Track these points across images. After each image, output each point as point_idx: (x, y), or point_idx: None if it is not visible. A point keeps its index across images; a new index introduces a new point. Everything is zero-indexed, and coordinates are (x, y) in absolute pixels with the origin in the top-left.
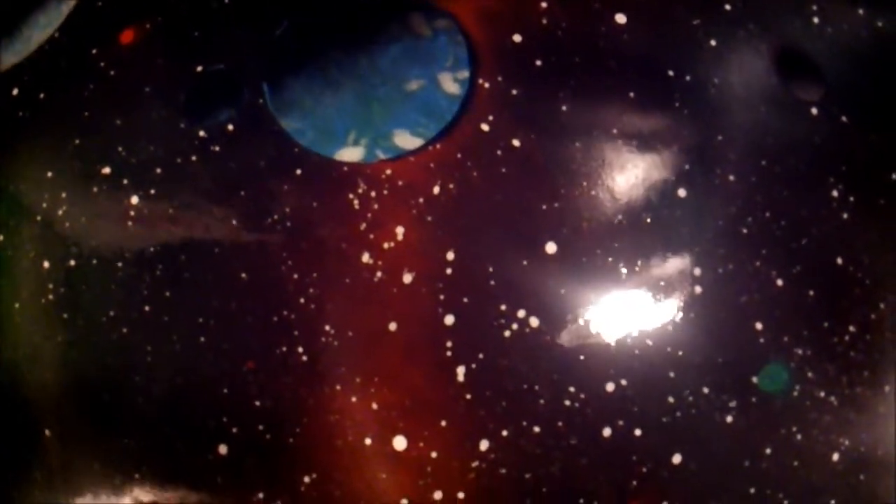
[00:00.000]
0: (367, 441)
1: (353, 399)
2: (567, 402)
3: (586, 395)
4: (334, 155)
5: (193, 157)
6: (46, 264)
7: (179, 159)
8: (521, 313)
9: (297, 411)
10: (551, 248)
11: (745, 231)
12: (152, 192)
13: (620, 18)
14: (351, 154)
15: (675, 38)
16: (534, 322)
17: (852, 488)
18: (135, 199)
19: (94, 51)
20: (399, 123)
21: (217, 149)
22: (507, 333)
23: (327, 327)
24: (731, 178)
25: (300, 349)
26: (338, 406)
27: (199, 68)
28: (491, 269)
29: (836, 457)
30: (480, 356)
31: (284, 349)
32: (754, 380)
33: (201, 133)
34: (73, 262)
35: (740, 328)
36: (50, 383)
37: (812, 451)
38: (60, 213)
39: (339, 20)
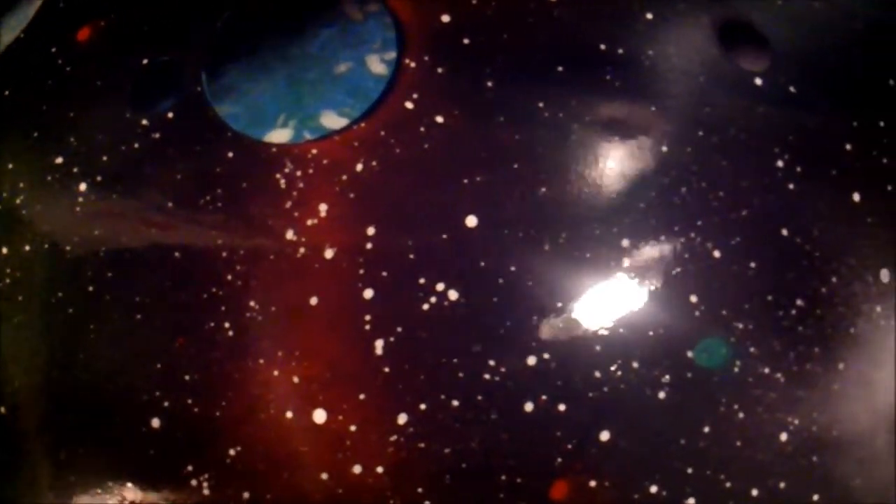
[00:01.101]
0: (289, 414)
1: (276, 373)
2: (486, 376)
3: (506, 368)
4: (264, 137)
5: (136, 145)
6: (5, 250)
7: (124, 147)
8: (440, 286)
9: (223, 385)
10: (472, 221)
11: (678, 202)
12: (98, 179)
13: None
14: (280, 136)
15: (609, 13)
16: (452, 295)
17: (804, 470)
18: (83, 187)
19: (53, 49)
20: (326, 105)
21: (157, 136)
22: (425, 307)
23: (252, 303)
24: (664, 148)
25: (227, 324)
26: (261, 380)
27: (145, 61)
28: (410, 244)
29: (784, 437)
30: (399, 329)
31: (212, 325)
32: (690, 354)
33: (144, 122)
34: (27, 248)
35: (673, 301)
36: (7, 361)
37: (756, 430)
38: (19, 201)
39: (275, 8)
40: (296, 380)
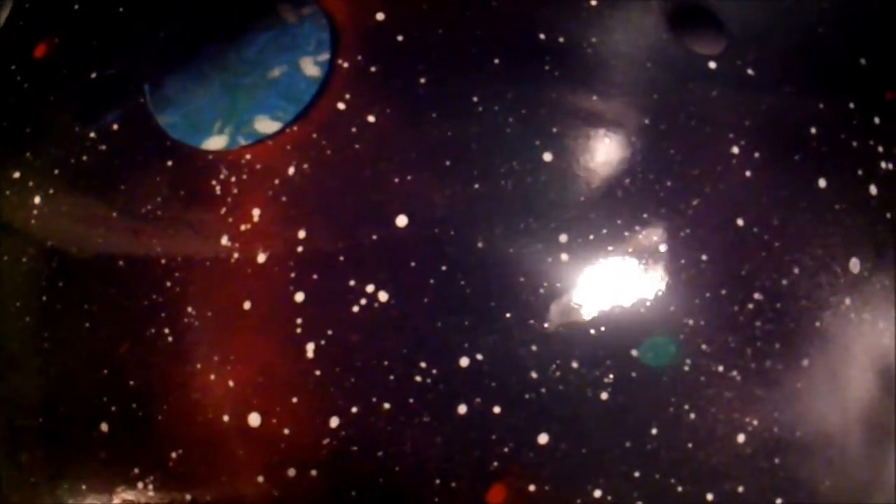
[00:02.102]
0: (225, 418)
1: (212, 377)
2: (418, 378)
3: (438, 370)
4: (202, 145)
5: (84, 158)
6: None
7: (73, 160)
8: (370, 288)
9: (164, 390)
10: (402, 221)
11: (621, 194)
12: (51, 192)
13: None
14: (216, 142)
15: (550, 2)
16: (383, 297)
17: (765, 473)
18: (38, 200)
19: (13, 67)
20: (261, 110)
21: (104, 147)
22: (355, 309)
23: (190, 308)
24: (606, 139)
25: (166, 330)
26: (199, 384)
27: (94, 74)
28: (340, 246)
29: (741, 438)
30: (329, 332)
31: (153, 331)
32: (634, 353)
33: (92, 135)
34: None
35: (616, 298)
36: None
37: (710, 431)
38: None
39: (214, 17)
40: (231, 384)
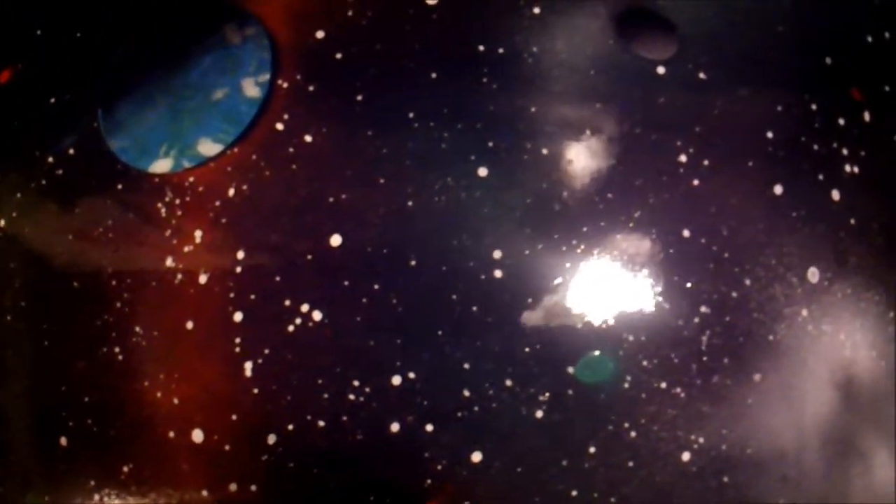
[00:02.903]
0: (171, 434)
1: (159, 394)
2: (351, 397)
3: (371, 388)
4: (149, 168)
5: (43, 182)
6: None
7: (34, 184)
8: (305, 307)
9: (116, 406)
10: (336, 240)
11: (557, 208)
12: (14, 214)
13: (431, 0)
14: (162, 166)
15: (492, 11)
16: (317, 316)
17: (713, 492)
18: (2, 223)
19: None
20: (204, 132)
21: (60, 172)
22: (290, 328)
23: (138, 328)
24: (544, 151)
25: (117, 349)
26: (147, 401)
27: (53, 100)
28: (277, 266)
29: (686, 456)
30: (266, 351)
31: (105, 350)
32: (570, 370)
33: (50, 159)
34: None
35: (551, 314)
36: None
37: (652, 449)
38: None
39: (162, 41)
40: (176, 401)
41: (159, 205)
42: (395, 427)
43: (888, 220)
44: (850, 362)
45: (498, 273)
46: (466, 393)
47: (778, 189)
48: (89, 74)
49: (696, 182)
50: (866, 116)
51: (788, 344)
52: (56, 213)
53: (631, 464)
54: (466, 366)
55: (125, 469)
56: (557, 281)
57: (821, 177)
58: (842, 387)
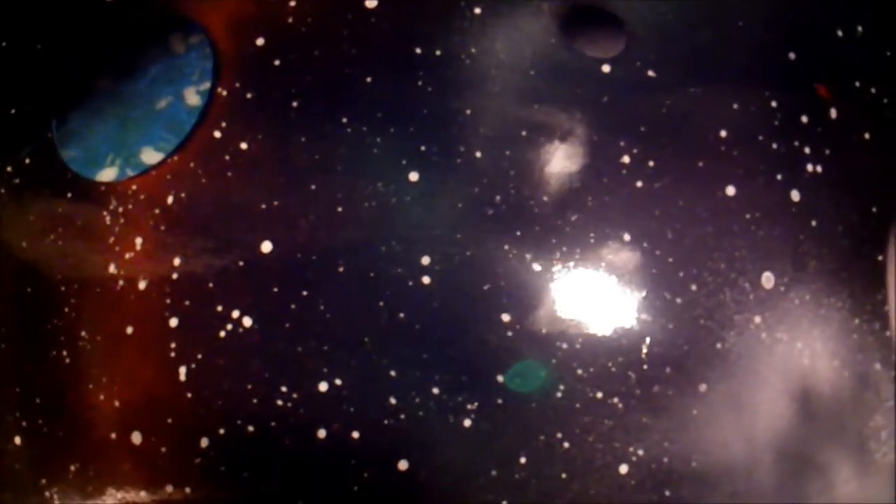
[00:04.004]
0: (113, 435)
1: (102, 397)
2: (279, 402)
3: (298, 394)
4: (96, 177)
5: (2, 190)
6: None
7: None
8: (236, 314)
9: (63, 407)
10: (267, 247)
11: (490, 212)
12: None
13: (371, 3)
14: (108, 174)
15: (432, 13)
16: (247, 322)
17: None
18: None
19: None
20: (147, 141)
21: (17, 181)
22: (222, 334)
23: (83, 332)
24: (478, 154)
25: (64, 352)
26: (92, 403)
27: (13, 110)
28: (210, 272)
29: (624, 469)
30: (199, 356)
31: (54, 353)
32: (500, 379)
33: (8, 168)
34: None
35: (482, 321)
36: None
37: (587, 461)
38: None
39: (112, 51)
40: (117, 404)
41: (104, 213)
42: (321, 433)
43: (855, 222)
44: (809, 372)
45: (426, 279)
46: (393, 400)
47: (730, 190)
48: (46, 86)
49: (639, 184)
50: (832, 114)
51: (738, 353)
52: (12, 220)
53: (564, 475)
54: (393, 373)
55: (72, 468)
56: (487, 287)
57: (779, 177)
58: (799, 398)
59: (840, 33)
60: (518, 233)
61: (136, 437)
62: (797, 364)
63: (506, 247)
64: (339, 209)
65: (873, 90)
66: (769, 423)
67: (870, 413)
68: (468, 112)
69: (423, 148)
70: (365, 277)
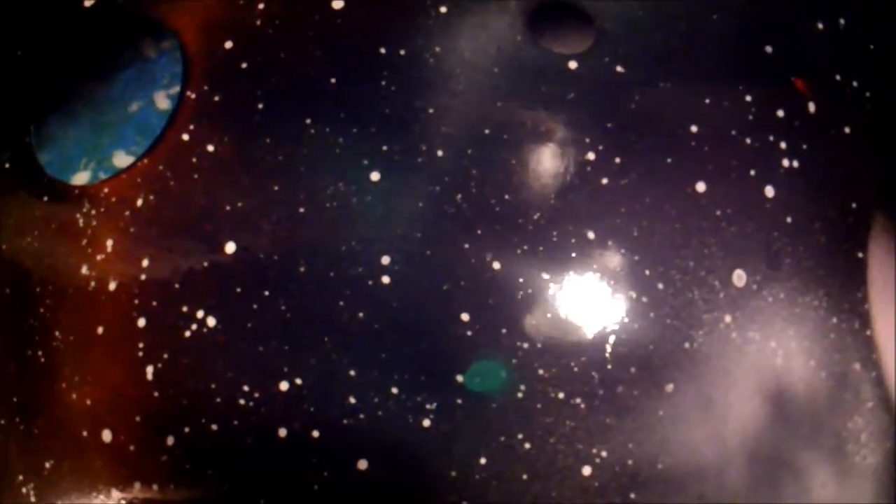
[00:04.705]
0: (84, 433)
1: (74, 396)
2: (241, 401)
3: (260, 393)
4: (70, 180)
5: None
6: None
7: None
8: (200, 314)
9: (38, 406)
10: (230, 248)
11: (451, 211)
12: None
13: (337, 4)
14: (82, 178)
15: (397, 12)
16: (211, 322)
17: None
18: None
19: None
20: (119, 145)
21: None
22: (187, 334)
23: (57, 333)
24: (440, 153)
25: (40, 352)
26: (65, 401)
27: None
28: (176, 273)
29: (587, 470)
30: (165, 356)
31: (30, 352)
32: (460, 379)
33: None
34: None
35: (441, 320)
36: None
37: (548, 462)
38: None
39: (88, 57)
40: (88, 402)
41: (78, 216)
42: (282, 432)
43: (833, 219)
44: (783, 372)
45: (385, 279)
46: (352, 400)
47: (700, 186)
48: (25, 91)
49: (604, 181)
50: (811, 108)
51: (707, 352)
52: None
53: (525, 477)
54: (352, 373)
55: (46, 465)
56: (447, 286)
57: (753, 172)
58: (772, 399)
59: (821, 26)
60: (479, 231)
61: (107, 435)
62: (770, 364)
63: (466, 246)
64: (301, 210)
65: (855, 84)
66: (740, 425)
67: (848, 414)
68: (431, 111)
69: (384, 147)
70: (325, 277)
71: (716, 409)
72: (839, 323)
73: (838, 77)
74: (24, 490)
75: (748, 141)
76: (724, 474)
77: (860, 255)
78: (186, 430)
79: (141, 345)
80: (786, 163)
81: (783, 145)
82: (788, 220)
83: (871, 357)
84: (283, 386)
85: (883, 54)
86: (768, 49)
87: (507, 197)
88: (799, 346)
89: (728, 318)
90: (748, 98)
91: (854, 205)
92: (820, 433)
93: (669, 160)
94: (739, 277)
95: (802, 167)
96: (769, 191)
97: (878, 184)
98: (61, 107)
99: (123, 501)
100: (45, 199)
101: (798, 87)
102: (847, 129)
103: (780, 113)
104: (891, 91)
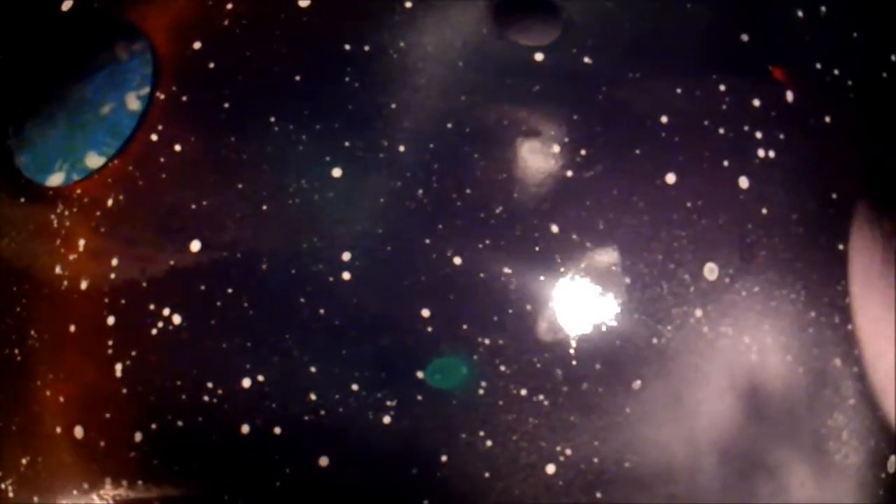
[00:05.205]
0: (58, 430)
1: (48, 393)
2: (206, 398)
3: (223, 390)
4: (46, 182)
5: None
6: None
7: None
8: (167, 311)
9: (15, 403)
10: (195, 246)
11: (412, 206)
12: None
13: (304, 2)
14: (56, 179)
15: (362, 11)
16: (176, 319)
17: None
18: None
19: None
20: (91, 146)
21: None
22: (154, 331)
23: (33, 332)
24: (401, 148)
25: (16, 351)
26: (39, 399)
27: None
28: (144, 272)
29: (551, 469)
30: (133, 353)
31: (7, 351)
32: (420, 375)
33: None
34: None
35: (402, 316)
36: None
37: (511, 460)
38: None
39: (63, 59)
40: (61, 399)
41: (52, 216)
42: (245, 429)
43: (812, 210)
44: (758, 368)
45: (346, 275)
46: (313, 397)
47: (670, 178)
48: (5, 95)
49: (569, 174)
50: (789, 97)
51: (677, 348)
52: None
53: (487, 475)
54: (313, 369)
55: (23, 461)
56: (407, 282)
57: (726, 163)
58: (746, 396)
59: (801, 14)
60: (440, 226)
61: (79, 432)
62: (744, 360)
63: (427, 241)
64: (265, 207)
65: (837, 72)
66: (712, 423)
67: (828, 411)
68: (393, 106)
69: (347, 144)
70: (287, 274)
71: (686, 406)
72: (818, 317)
73: (819, 65)
74: (2, 486)
75: (721, 131)
76: (696, 474)
77: (841, 247)
78: (153, 426)
79: (110, 343)
80: (761, 153)
81: (759, 135)
82: (764, 211)
83: (852, 352)
84: (246, 383)
85: (867, 42)
86: (744, 37)
87: (468, 191)
88: (775, 341)
89: (699, 313)
90: (722, 87)
91: (835, 195)
92: (798, 431)
93: (638, 151)
94: (711, 270)
95: (779, 157)
96: (743, 182)
97: (860, 174)
98: (39, 109)
99: (96, 497)
100: (23, 200)
101: (776, 75)
102: (828, 119)
103: (757, 102)
104: (875, 79)
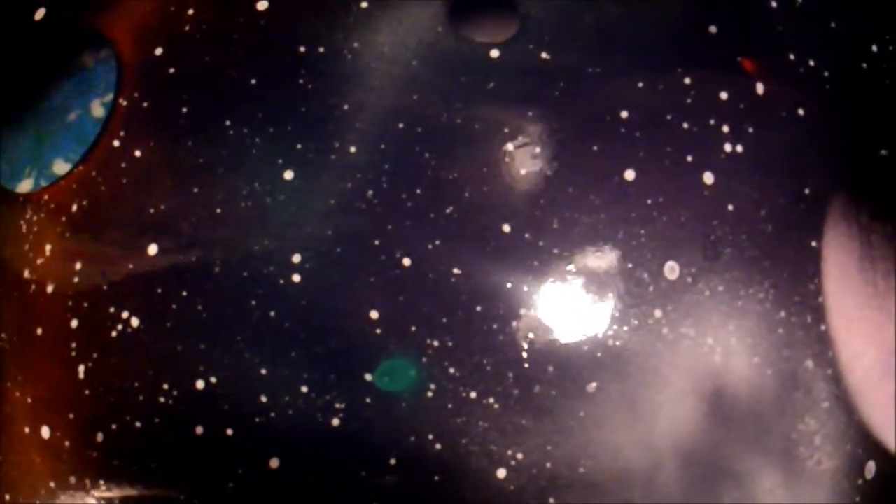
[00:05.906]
0: (27, 430)
1: (17, 394)
2: (161, 399)
3: (178, 392)
4: (16, 188)
5: None
6: None
7: None
8: (125, 314)
9: None
10: (153, 249)
11: (362, 207)
12: None
13: (262, 6)
14: (26, 185)
15: (317, 12)
16: (134, 322)
17: None
18: None
19: None
20: (58, 153)
21: None
22: (113, 334)
23: (3, 334)
24: (353, 149)
25: None
26: (10, 399)
27: None
28: (104, 275)
29: (502, 473)
30: (95, 356)
31: None
32: (368, 377)
33: None
34: None
35: (349, 318)
36: None
37: (461, 464)
38: None
39: (34, 69)
40: (29, 400)
41: (21, 222)
42: (199, 430)
43: (782, 206)
44: (722, 371)
45: (296, 277)
46: (264, 399)
47: (629, 174)
48: None
49: (522, 171)
50: (759, 89)
51: (634, 350)
52: None
53: (437, 478)
54: (264, 371)
55: None
56: (356, 284)
57: (689, 158)
58: (709, 399)
59: (774, 4)
60: (389, 227)
61: (45, 432)
62: (706, 362)
63: (376, 242)
64: (218, 210)
65: (812, 63)
66: (672, 427)
67: (799, 415)
68: (346, 107)
69: (299, 146)
70: (239, 277)
71: (644, 410)
72: (788, 317)
73: (792, 56)
74: None
75: (685, 125)
76: (655, 479)
77: (814, 243)
78: (114, 427)
79: (74, 345)
80: (728, 147)
81: (725, 129)
82: (730, 207)
83: (825, 353)
84: (200, 384)
85: (846, 32)
86: (712, 29)
87: (419, 191)
88: (741, 342)
89: (658, 313)
90: (687, 81)
91: (807, 190)
92: (766, 436)
93: (595, 148)
94: (672, 270)
95: (747, 151)
96: (708, 177)
97: (837, 167)
98: (12, 117)
99: (63, 497)
100: None
101: (746, 67)
102: (801, 111)
103: (724, 95)
104: (855, 70)
